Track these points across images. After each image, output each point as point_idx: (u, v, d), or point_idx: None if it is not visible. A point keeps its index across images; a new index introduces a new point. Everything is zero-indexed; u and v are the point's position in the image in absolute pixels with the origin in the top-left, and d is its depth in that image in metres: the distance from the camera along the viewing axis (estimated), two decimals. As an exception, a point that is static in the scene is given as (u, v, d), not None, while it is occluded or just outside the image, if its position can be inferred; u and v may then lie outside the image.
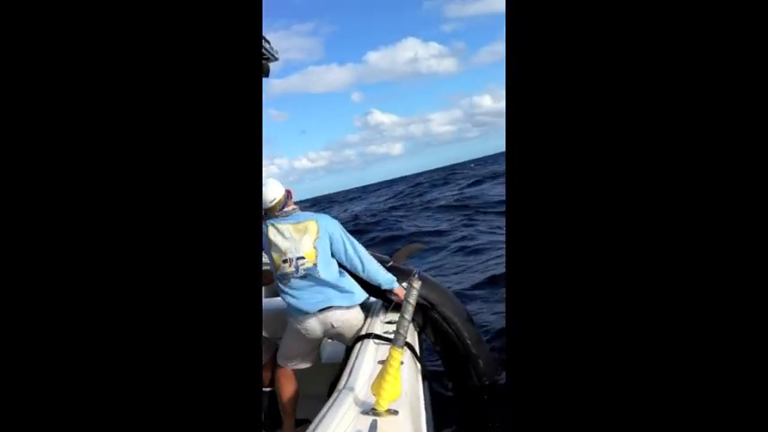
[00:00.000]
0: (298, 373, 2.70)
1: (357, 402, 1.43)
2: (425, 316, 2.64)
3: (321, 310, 2.41)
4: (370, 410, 1.35)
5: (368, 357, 1.77)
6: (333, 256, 2.49)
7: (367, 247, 2.78)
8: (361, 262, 2.49)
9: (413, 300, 1.39)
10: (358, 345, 2.05)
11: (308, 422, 2.11)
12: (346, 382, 1.57)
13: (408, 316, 1.37)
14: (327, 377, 2.62)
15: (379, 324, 2.39)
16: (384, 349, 1.81)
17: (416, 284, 1.39)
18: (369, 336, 2.10)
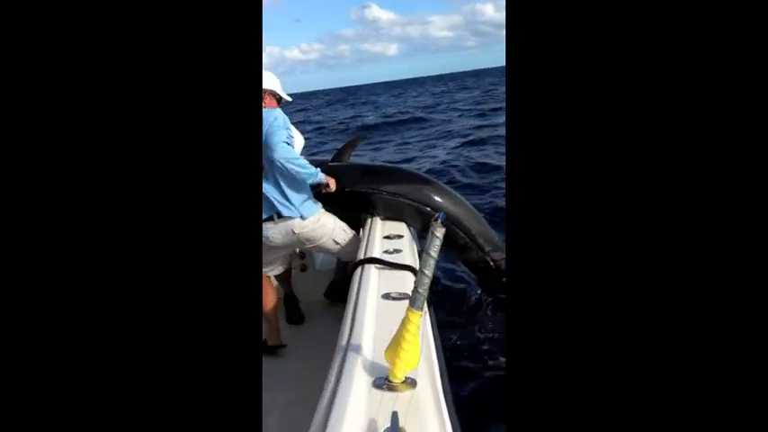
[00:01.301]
0: (285, 279, 2.75)
1: (367, 369, 1.19)
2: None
3: (280, 217, 2.27)
4: (385, 382, 1.12)
5: (371, 292, 1.52)
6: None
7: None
8: (275, 151, 2.16)
9: (435, 251, 1.05)
10: (357, 272, 1.77)
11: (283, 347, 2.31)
12: (350, 334, 1.31)
13: (429, 271, 1.06)
14: (321, 285, 2.74)
15: (378, 242, 2.14)
16: (388, 276, 1.69)
17: (439, 232, 1.04)
18: (369, 261, 1.85)
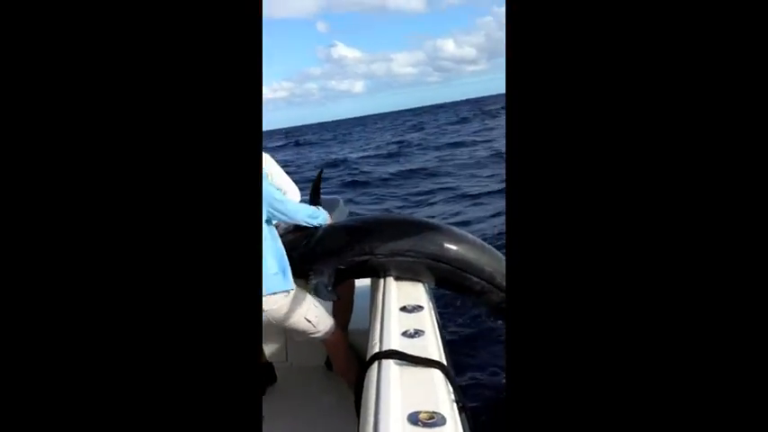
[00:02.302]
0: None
1: None
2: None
3: None
4: None
5: (394, 412, 1.13)
6: (268, 220, 2.05)
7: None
8: (281, 203, 2.03)
9: None
10: (373, 371, 1.38)
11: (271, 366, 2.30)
12: None
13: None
14: (322, 348, 2.38)
15: (395, 320, 1.69)
16: (412, 377, 1.29)
17: None
18: (387, 354, 1.42)
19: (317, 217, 2.21)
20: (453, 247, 2.13)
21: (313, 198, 2.53)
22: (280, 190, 2.24)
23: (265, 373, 2.53)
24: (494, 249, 2.27)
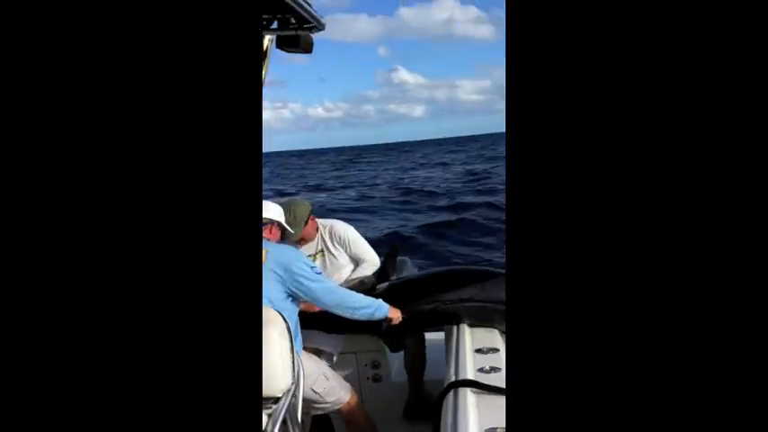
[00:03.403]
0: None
1: None
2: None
3: None
4: None
5: (472, 418, 1.20)
6: (290, 297, 2.06)
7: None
8: (319, 299, 2.09)
9: None
10: (449, 398, 1.41)
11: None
12: None
13: None
14: (400, 399, 2.47)
15: (470, 358, 1.73)
16: (487, 403, 1.31)
17: None
18: (462, 383, 1.46)
19: (372, 309, 2.14)
20: None
21: (381, 276, 2.57)
22: (353, 259, 2.66)
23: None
24: None
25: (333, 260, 2.65)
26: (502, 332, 2.05)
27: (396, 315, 2.17)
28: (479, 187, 15.44)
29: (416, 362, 2.51)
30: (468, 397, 1.37)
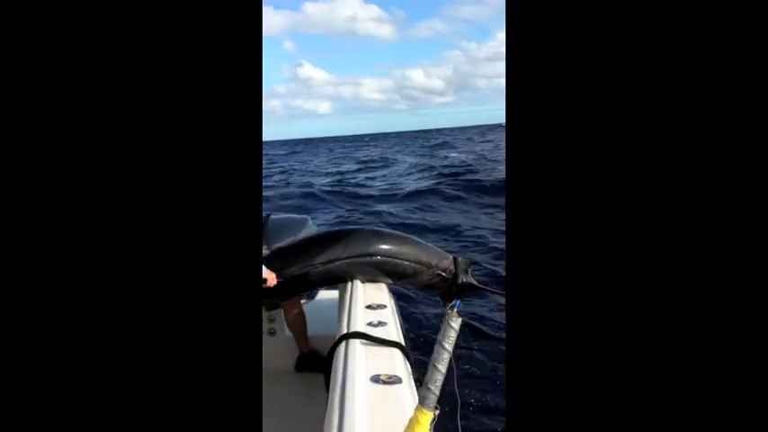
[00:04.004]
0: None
1: None
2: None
3: None
4: None
5: (359, 374, 1.30)
6: None
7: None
8: None
9: (450, 344, 0.92)
10: (341, 348, 1.54)
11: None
12: (341, 425, 1.13)
13: (443, 366, 0.92)
14: (291, 352, 2.71)
15: (361, 312, 1.91)
16: (375, 353, 1.47)
17: (455, 322, 0.91)
18: (353, 335, 1.59)
19: None
20: (378, 242, 2.43)
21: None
22: None
23: None
24: (412, 237, 2.64)
25: None
26: (389, 290, 2.34)
27: (268, 277, 2.21)
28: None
29: (296, 320, 2.67)
30: (358, 347, 1.49)
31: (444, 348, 0.93)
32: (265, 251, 2.42)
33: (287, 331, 2.81)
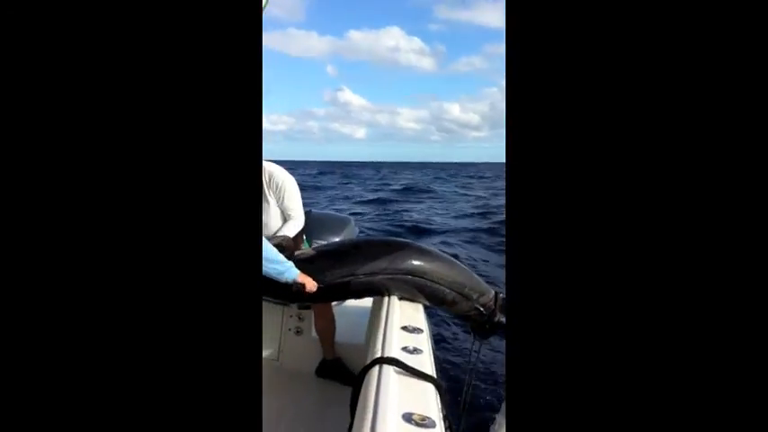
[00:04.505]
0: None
1: None
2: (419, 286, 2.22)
3: None
4: None
5: (390, 410, 1.14)
6: None
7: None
8: None
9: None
10: (374, 372, 1.35)
11: None
12: None
13: None
14: (315, 354, 2.65)
15: (396, 335, 1.68)
16: (408, 385, 1.31)
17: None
18: (388, 361, 1.39)
19: (283, 269, 2.01)
20: (424, 262, 2.23)
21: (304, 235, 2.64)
22: (282, 212, 2.47)
23: None
24: (458, 262, 2.42)
25: (265, 206, 2.47)
26: (425, 306, 2.19)
27: (306, 282, 2.07)
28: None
29: (326, 326, 2.57)
30: (392, 376, 1.36)
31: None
32: (303, 251, 2.39)
33: (313, 333, 2.72)
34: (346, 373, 2.55)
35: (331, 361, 2.62)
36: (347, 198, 20.22)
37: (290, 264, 1.99)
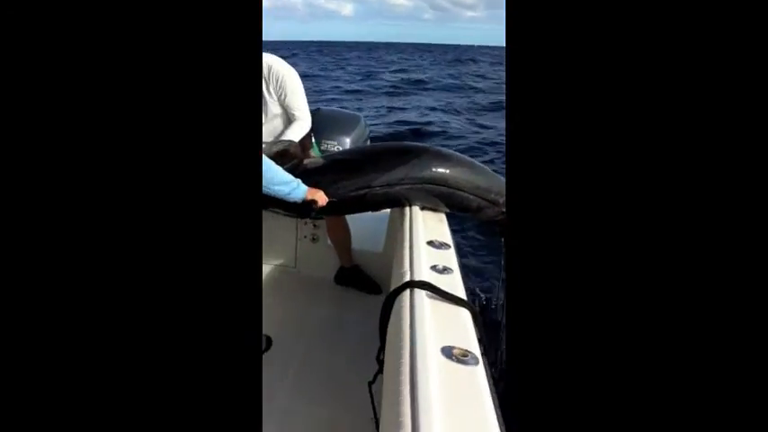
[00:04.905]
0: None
1: None
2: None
3: None
4: None
5: (430, 345, 1.07)
6: None
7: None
8: None
9: None
10: (405, 298, 1.25)
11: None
12: (414, 414, 0.89)
13: None
14: (332, 262, 2.65)
15: (425, 253, 1.56)
16: (442, 311, 1.22)
17: None
18: (420, 285, 1.29)
19: (288, 189, 1.87)
20: (445, 168, 2.08)
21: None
22: (285, 112, 2.31)
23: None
24: (481, 165, 2.29)
25: (264, 107, 2.23)
26: (446, 213, 2.07)
27: (317, 196, 1.93)
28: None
29: (339, 235, 2.51)
30: (425, 303, 1.24)
31: None
32: (312, 159, 2.20)
33: (329, 240, 2.69)
34: (366, 281, 2.58)
35: (349, 269, 2.62)
36: (350, 91, 18.94)
37: (297, 182, 1.87)
